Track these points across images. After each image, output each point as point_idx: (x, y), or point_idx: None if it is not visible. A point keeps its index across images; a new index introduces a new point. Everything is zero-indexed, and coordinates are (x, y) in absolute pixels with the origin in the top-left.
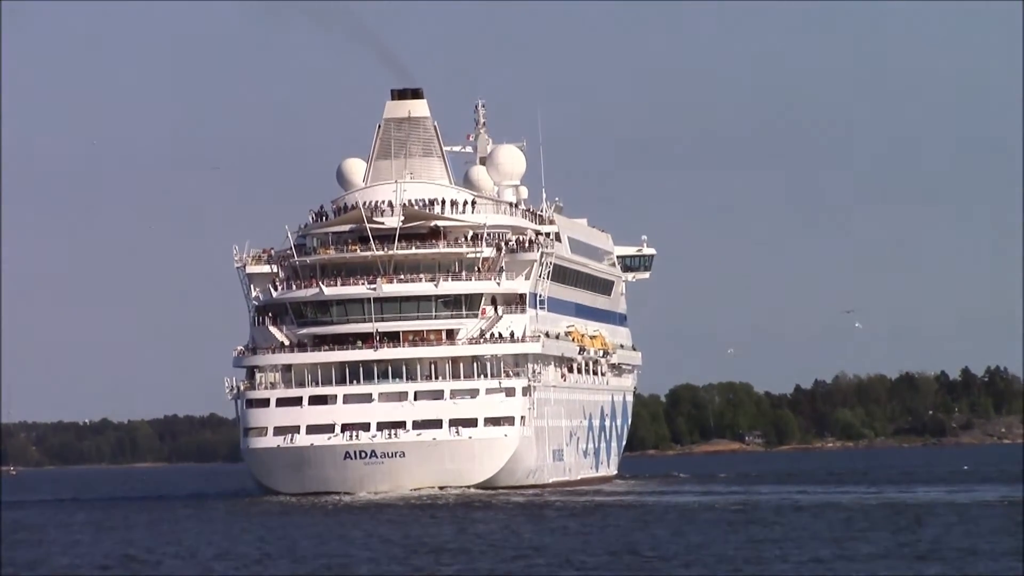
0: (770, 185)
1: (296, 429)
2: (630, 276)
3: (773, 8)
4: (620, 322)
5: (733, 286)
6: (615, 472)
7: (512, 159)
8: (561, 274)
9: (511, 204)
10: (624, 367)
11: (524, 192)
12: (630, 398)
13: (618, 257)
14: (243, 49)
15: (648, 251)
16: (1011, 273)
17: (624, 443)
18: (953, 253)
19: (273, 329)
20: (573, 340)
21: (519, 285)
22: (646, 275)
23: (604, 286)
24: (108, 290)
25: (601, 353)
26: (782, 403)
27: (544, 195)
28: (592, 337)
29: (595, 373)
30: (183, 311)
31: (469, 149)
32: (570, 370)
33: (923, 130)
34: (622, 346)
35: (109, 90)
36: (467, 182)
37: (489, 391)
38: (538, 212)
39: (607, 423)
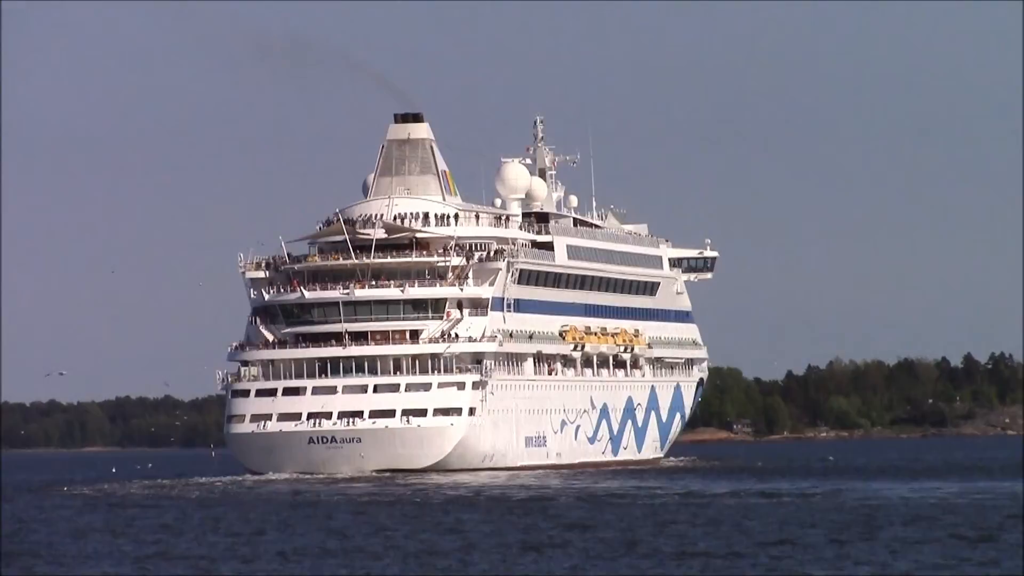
0: (779, 157)
1: (269, 416)
2: (692, 276)
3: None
4: (676, 319)
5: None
6: (650, 456)
7: (516, 175)
8: (552, 279)
9: (498, 216)
10: (670, 360)
11: (574, 201)
12: (687, 390)
13: (679, 259)
14: (273, 81)
15: (710, 253)
16: (1015, 256)
17: (672, 431)
18: (956, 234)
19: (263, 328)
20: (565, 338)
21: (482, 291)
22: (708, 275)
23: (637, 287)
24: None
25: (622, 348)
26: (773, 390)
27: (594, 204)
28: (614, 335)
29: (619, 367)
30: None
31: (529, 161)
32: (565, 365)
33: (939, 109)
34: (662, 340)
35: (124, 101)
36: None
37: (442, 385)
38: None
39: (637, 412)
